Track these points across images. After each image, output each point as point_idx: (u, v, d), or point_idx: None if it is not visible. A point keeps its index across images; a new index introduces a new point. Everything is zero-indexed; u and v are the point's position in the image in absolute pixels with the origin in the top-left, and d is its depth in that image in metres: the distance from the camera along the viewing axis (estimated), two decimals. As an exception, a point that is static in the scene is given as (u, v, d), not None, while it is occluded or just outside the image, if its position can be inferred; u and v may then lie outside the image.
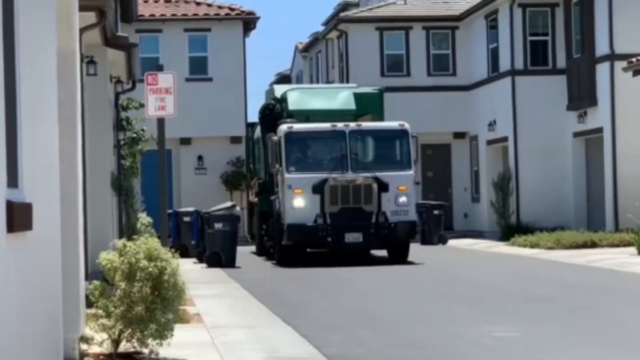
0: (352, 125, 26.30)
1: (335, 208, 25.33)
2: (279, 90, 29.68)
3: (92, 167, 18.56)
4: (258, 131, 30.71)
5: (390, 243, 26.01)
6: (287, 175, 25.66)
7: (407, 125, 26.55)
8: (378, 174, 25.47)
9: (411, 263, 25.59)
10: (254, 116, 33.28)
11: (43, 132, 7.67)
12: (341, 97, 28.48)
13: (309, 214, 25.31)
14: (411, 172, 26.13)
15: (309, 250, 26.72)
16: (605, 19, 32.17)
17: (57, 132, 8.43)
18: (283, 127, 26.23)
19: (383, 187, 25.41)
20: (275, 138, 26.08)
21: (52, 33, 8.28)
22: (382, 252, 27.32)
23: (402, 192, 25.60)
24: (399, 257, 25.99)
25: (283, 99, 28.27)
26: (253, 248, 31.30)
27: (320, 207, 25.31)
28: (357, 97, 28.41)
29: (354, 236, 25.32)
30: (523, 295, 17.57)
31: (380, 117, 28.14)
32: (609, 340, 12.26)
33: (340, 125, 26.09)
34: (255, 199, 31.07)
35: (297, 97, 28.27)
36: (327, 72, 46.12)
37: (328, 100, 28.36)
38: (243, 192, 37.33)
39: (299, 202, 25.45)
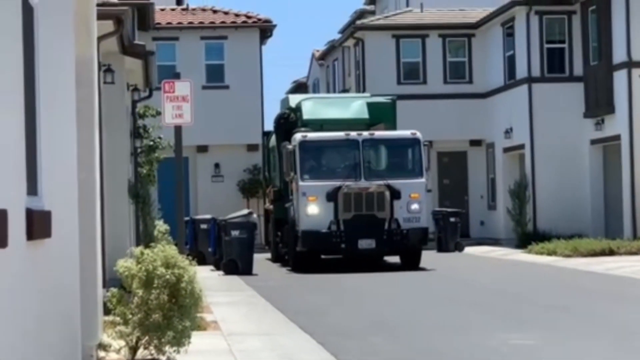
0: (365, 134, 26.70)
1: (349, 215, 25.68)
2: (294, 99, 30.16)
3: (110, 174, 18.63)
4: (273, 140, 31.09)
5: (403, 249, 26.34)
6: (301, 183, 26.05)
7: (418, 134, 26.90)
8: (390, 182, 25.87)
9: (423, 269, 25.78)
10: (270, 124, 33.46)
11: (61, 140, 7.72)
12: (354, 107, 28.96)
13: (323, 221, 25.68)
14: (423, 179, 26.43)
15: (323, 256, 26.99)
16: (623, 25, 32.10)
17: (76, 140, 8.49)
18: (297, 136, 26.64)
19: (395, 194, 25.81)
20: (290, 147, 26.51)
21: (71, 41, 8.33)
22: (395, 259, 27.51)
23: (414, 200, 25.99)
24: (411, 263, 26.28)
25: (298, 109, 28.69)
26: (269, 255, 31.51)
27: (334, 214, 25.69)
28: (370, 106, 28.88)
29: (367, 242, 25.70)
30: (539, 303, 17.54)
31: (392, 126, 28.48)
32: (626, 348, 12.23)
33: (353, 134, 26.49)
34: (271, 207, 31.41)
35: (312, 107, 28.73)
36: (343, 79, 46.14)
37: (342, 109, 28.82)
38: (260, 200, 37.37)
39: (313, 209, 25.83)
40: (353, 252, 25.96)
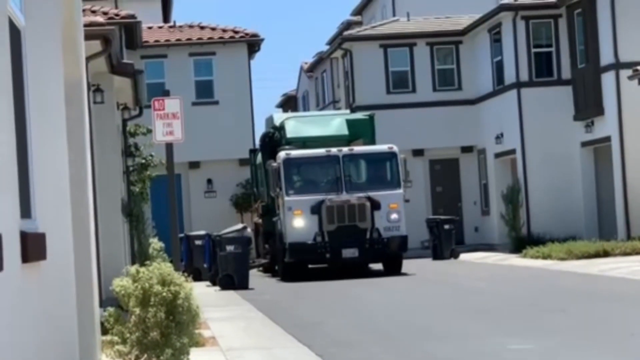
0: (345, 149, 28.10)
1: (332, 226, 27.10)
2: (278, 118, 31.57)
3: (102, 194, 18.64)
4: (260, 157, 32.09)
5: (385, 257, 27.84)
6: (287, 198, 27.43)
7: (395, 148, 28.27)
8: (370, 194, 27.30)
9: (405, 274, 27.02)
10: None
11: (53, 162, 7.73)
12: (334, 124, 30.33)
13: (308, 233, 27.13)
14: (400, 190, 27.77)
15: (310, 266, 28.32)
16: (609, 27, 32.20)
17: (67, 161, 8.50)
18: (282, 154, 28.04)
19: (375, 205, 27.23)
20: (275, 164, 27.87)
21: (59, 64, 8.35)
22: (378, 266, 28.79)
23: (393, 210, 27.46)
24: (393, 269, 27.78)
25: (281, 127, 30.08)
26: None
27: (318, 226, 27.14)
28: (349, 123, 30.27)
29: (351, 251, 27.15)
30: (536, 307, 17.56)
31: (371, 141, 29.80)
32: (625, 351, 12.25)
33: (334, 150, 27.91)
34: (260, 221, 32.72)
35: (294, 126, 30.12)
36: (332, 91, 46.23)
37: (322, 127, 30.17)
38: (253, 214, 37.40)
39: (298, 222, 27.26)
40: (338, 261, 27.40)
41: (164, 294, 10.15)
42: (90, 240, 10.46)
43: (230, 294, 24.19)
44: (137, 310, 10.19)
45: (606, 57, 32.58)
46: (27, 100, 6.67)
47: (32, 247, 6.08)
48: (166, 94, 18.40)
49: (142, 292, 10.24)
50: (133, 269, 10.57)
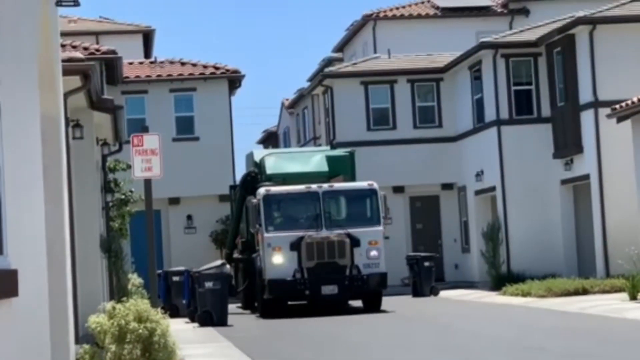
0: (325, 186, 28.14)
1: (312, 263, 27.08)
2: (258, 155, 31.76)
3: (81, 229, 18.57)
4: (240, 193, 31.83)
5: (364, 294, 27.82)
6: (266, 235, 27.44)
7: (375, 185, 28.32)
8: (350, 231, 27.33)
9: (384, 311, 26.95)
10: (241, 173, 33.73)
11: (28, 197, 7.69)
12: (314, 160, 30.48)
13: (287, 270, 27.10)
14: (380, 227, 27.81)
15: (289, 302, 28.26)
16: (588, 66, 32.41)
17: (43, 196, 8.45)
18: (261, 190, 28.11)
19: (355, 242, 27.25)
20: (254, 200, 27.96)
21: (35, 99, 8.32)
22: (357, 302, 28.60)
23: (372, 247, 27.47)
24: (372, 306, 27.71)
25: (261, 164, 30.21)
26: (239, 303, 32.07)
27: (298, 263, 27.12)
28: (330, 159, 30.42)
29: (330, 288, 27.11)
30: (516, 345, 17.52)
31: (351, 178, 29.91)
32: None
33: (314, 186, 27.93)
34: (240, 256, 32.45)
35: (274, 162, 30.32)
36: (313, 127, 46.31)
37: (302, 163, 30.33)
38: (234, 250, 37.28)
39: (278, 259, 27.23)
40: (317, 297, 27.36)
41: (140, 330, 10.11)
42: (66, 277, 10.40)
43: (209, 330, 24.06)
44: (113, 347, 10.14)
45: (585, 95, 32.77)
46: (0, 136, 6.64)
47: (3, 284, 6.04)
48: (145, 130, 18.40)
49: (118, 329, 10.20)
50: (109, 305, 10.52)
